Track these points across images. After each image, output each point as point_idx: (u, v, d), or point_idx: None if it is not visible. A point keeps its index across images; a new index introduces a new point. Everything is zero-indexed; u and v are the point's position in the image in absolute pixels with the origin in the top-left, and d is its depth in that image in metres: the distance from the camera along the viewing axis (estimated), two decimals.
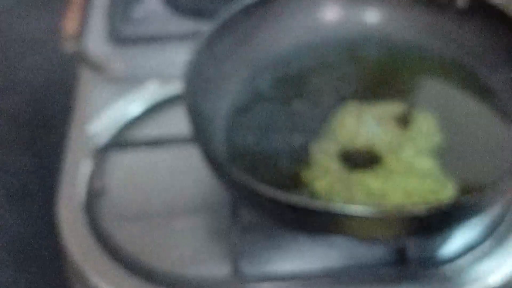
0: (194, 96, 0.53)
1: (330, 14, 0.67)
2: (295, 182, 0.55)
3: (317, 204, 0.45)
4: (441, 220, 0.46)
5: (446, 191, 0.53)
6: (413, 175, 0.54)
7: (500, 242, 0.55)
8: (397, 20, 0.66)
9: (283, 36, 0.66)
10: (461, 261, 0.54)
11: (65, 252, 0.58)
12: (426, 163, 0.55)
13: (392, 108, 0.61)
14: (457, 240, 0.55)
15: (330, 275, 0.53)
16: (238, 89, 0.62)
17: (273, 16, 0.65)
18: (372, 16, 0.67)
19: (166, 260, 0.55)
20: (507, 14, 0.59)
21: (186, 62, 0.55)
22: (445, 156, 0.56)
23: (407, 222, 0.46)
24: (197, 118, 0.52)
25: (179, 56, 0.71)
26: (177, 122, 0.63)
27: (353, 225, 0.47)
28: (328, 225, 0.47)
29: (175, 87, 0.69)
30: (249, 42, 0.63)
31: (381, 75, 0.65)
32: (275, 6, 0.64)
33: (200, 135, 0.50)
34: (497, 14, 0.60)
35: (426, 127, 0.59)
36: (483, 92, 0.62)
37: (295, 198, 0.45)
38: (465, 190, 0.51)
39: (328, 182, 0.54)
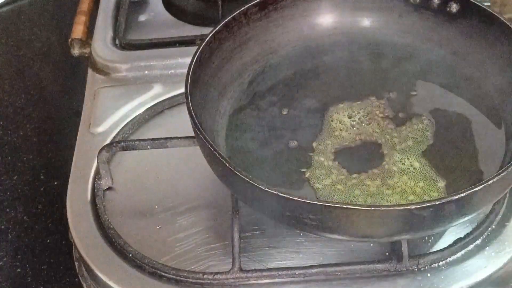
0: (195, 98, 0.54)
1: (325, 20, 0.67)
2: (295, 182, 0.56)
3: (316, 202, 0.46)
4: (434, 216, 0.46)
5: (437, 190, 0.54)
6: (407, 175, 0.56)
7: (491, 238, 0.56)
8: (389, 24, 0.67)
9: (280, 40, 0.66)
10: (455, 257, 0.55)
11: (73, 247, 0.60)
12: (418, 164, 0.57)
13: (384, 108, 0.62)
14: (450, 237, 0.56)
15: (327, 271, 0.54)
16: (237, 90, 0.63)
17: (270, 22, 0.65)
18: (365, 21, 0.68)
19: (169, 255, 0.56)
20: (498, 17, 0.59)
21: (188, 65, 0.56)
22: (437, 156, 0.57)
23: (401, 219, 0.47)
24: (199, 118, 0.52)
25: (181, 60, 0.74)
26: (180, 122, 0.65)
27: (351, 222, 0.48)
28: (326, 222, 0.48)
29: (177, 90, 0.71)
30: (248, 46, 0.64)
31: (374, 77, 0.65)
32: (273, 12, 0.65)
33: (202, 135, 0.50)
34: (488, 17, 0.60)
35: (418, 129, 0.60)
36: (474, 94, 0.62)
37: (294, 196, 0.46)
38: (456, 189, 0.51)
39: (329, 183, 0.55)
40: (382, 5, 0.67)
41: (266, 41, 0.66)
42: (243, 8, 0.63)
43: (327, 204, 0.46)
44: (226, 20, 0.62)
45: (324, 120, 0.61)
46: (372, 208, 0.46)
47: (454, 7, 0.63)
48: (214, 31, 0.60)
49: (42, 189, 0.71)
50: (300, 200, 0.46)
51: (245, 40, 0.64)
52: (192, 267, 0.55)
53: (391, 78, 0.65)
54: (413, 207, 0.45)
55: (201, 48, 0.58)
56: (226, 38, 0.62)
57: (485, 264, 0.54)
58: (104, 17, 0.82)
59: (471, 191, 0.46)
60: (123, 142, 0.61)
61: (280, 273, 0.54)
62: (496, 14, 0.60)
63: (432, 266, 0.54)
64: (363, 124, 0.61)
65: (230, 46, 0.62)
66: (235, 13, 0.62)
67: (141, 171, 0.64)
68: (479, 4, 0.62)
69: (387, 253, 0.55)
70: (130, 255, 0.56)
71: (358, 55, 0.67)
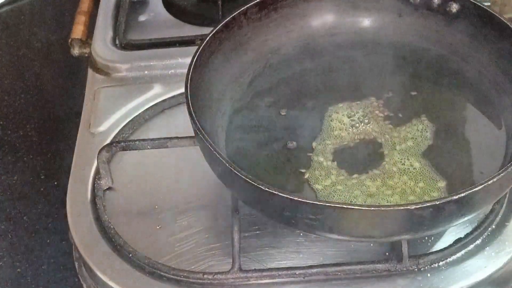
0: (195, 98, 0.54)
1: (325, 20, 0.67)
2: (295, 183, 0.56)
3: (316, 202, 0.46)
4: (434, 216, 0.46)
5: (437, 190, 0.54)
6: (407, 175, 0.56)
7: (491, 238, 0.56)
8: (389, 24, 0.67)
9: (280, 40, 0.66)
10: (455, 257, 0.55)
11: (73, 247, 0.60)
12: (419, 164, 0.57)
13: (384, 108, 0.62)
14: (450, 237, 0.56)
15: (327, 271, 0.54)
16: (237, 90, 0.63)
17: (270, 22, 0.65)
18: (365, 21, 0.68)
19: (169, 255, 0.56)
20: (498, 17, 0.59)
21: (188, 65, 0.56)
22: (437, 156, 0.57)
23: (401, 219, 0.47)
24: (199, 118, 0.52)
25: (181, 60, 0.74)
26: (180, 122, 0.65)
27: (351, 222, 0.48)
28: (326, 222, 0.48)
29: (177, 90, 0.71)
30: (248, 46, 0.64)
31: (374, 77, 0.65)
32: (273, 12, 0.65)
33: (202, 135, 0.50)
34: (488, 17, 0.60)
35: (418, 129, 0.60)
36: (473, 93, 0.62)
37: (294, 196, 0.46)
38: (456, 189, 0.51)
39: (329, 183, 0.55)
40: (382, 5, 0.67)
41: (266, 41, 0.66)
42: (243, 8, 0.62)
43: (327, 204, 0.46)
44: (226, 20, 0.62)
45: (323, 120, 0.61)
46: (372, 208, 0.46)
47: (454, 7, 0.63)
48: (214, 31, 0.60)
49: (42, 189, 0.71)
50: (300, 200, 0.46)
51: (245, 40, 0.64)
52: (192, 267, 0.55)
53: (391, 78, 0.65)
54: (413, 207, 0.45)
55: (201, 48, 0.58)
56: (226, 38, 0.62)
57: (485, 264, 0.54)
58: (104, 17, 0.82)
59: (471, 191, 0.46)
60: (123, 142, 0.61)
61: (280, 273, 0.54)
62: (496, 14, 0.60)
63: (432, 266, 0.54)
64: (363, 124, 0.61)
65: (230, 46, 0.62)
66: (235, 13, 0.62)
67: (141, 171, 0.64)
68: (479, 4, 0.62)
69: (387, 253, 0.55)
70: (130, 255, 0.56)
71: (358, 55, 0.67)
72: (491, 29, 0.61)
